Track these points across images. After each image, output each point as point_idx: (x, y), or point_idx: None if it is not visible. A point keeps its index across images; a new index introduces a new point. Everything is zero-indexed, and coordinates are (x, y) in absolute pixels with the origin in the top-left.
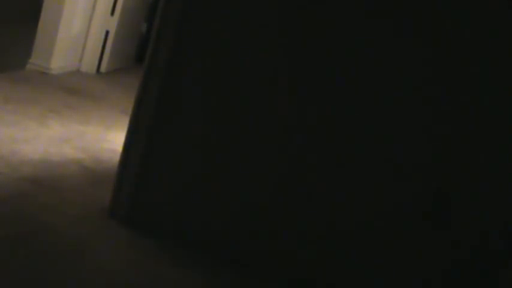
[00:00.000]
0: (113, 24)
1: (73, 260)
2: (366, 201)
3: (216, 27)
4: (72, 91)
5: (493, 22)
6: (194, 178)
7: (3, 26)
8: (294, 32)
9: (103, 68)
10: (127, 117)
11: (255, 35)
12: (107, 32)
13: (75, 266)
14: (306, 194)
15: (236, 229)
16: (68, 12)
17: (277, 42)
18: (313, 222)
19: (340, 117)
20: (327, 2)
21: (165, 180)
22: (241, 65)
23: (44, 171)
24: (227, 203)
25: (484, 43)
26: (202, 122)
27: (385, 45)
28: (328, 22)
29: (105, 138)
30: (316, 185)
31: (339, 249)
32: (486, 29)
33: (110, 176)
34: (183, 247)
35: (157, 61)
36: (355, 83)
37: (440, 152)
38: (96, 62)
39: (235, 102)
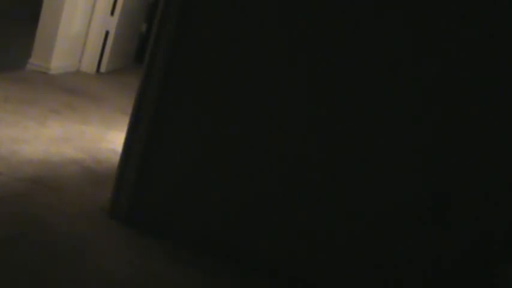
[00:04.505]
0: (112, 24)
1: (73, 260)
2: (366, 201)
3: (216, 27)
4: (72, 91)
5: (491, 23)
6: (194, 178)
7: (3, 26)
8: (294, 31)
9: (103, 68)
10: (127, 117)
11: (255, 34)
12: (107, 32)
13: (75, 266)
14: (305, 193)
15: (236, 229)
16: (68, 12)
17: (277, 41)
18: (313, 221)
19: (340, 116)
20: (328, 5)
21: (165, 180)
22: (241, 64)
23: (44, 171)
24: (227, 203)
25: (486, 43)
26: (202, 122)
27: (386, 45)
28: (329, 22)
29: (105, 138)
30: (317, 184)
31: (339, 249)
32: (486, 30)
33: (110, 176)
34: (183, 247)
35: (157, 61)
36: (355, 83)
37: (441, 151)
38: (96, 62)
39: (235, 102)
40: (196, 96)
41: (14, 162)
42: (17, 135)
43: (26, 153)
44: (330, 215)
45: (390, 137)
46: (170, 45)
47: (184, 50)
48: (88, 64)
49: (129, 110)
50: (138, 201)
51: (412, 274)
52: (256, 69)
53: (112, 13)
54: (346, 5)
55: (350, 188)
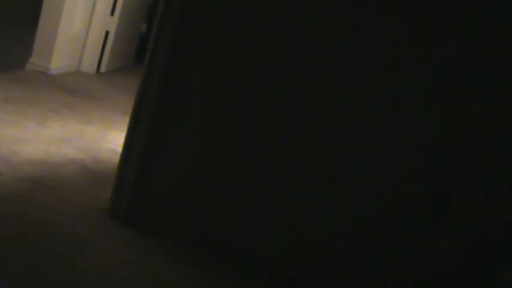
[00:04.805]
0: (112, 24)
1: (73, 260)
2: (366, 201)
3: (216, 27)
4: (72, 91)
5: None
6: (194, 178)
7: (3, 26)
8: (294, 31)
9: (103, 68)
10: (127, 117)
11: (255, 34)
12: (107, 32)
13: (74, 266)
14: (305, 193)
15: (236, 229)
16: (68, 12)
17: (277, 41)
18: (313, 221)
19: (340, 116)
20: (328, 5)
21: (165, 180)
22: (241, 64)
23: (44, 171)
24: (227, 203)
25: (486, 43)
26: (202, 122)
27: (386, 45)
28: (329, 22)
29: (105, 138)
30: (317, 184)
31: (339, 249)
32: (486, 30)
33: (110, 176)
34: (183, 247)
35: (157, 61)
36: (355, 83)
37: (441, 151)
38: (96, 62)
39: (235, 102)
40: (196, 96)
41: (14, 162)
42: (17, 135)
43: (26, 153)
44: (330, 215)
45: (390, 137)
46: (170, 45)
47: (184, 50)
48: (88, 64)
49: (129, 110)
50: (138, 201)
51: (412, 274)
52: (256, 69)
53: (112, 13)
54: (346, 5)
55: (350, 188)
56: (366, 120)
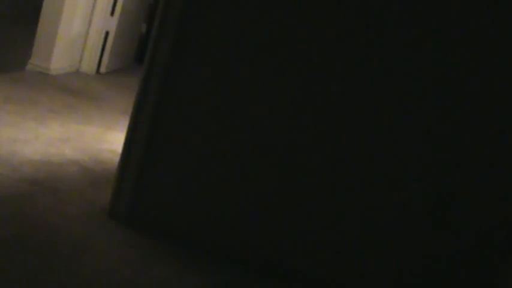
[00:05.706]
0: (112, 24)
1: (73, 260)
2: (367, 201)
3: (215, 27)
4: (71, 91)
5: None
6: (194, 178)
7: (3, 26)
8: (294, 31)
9: (103, 69)
10: (127, 117)
11: (254, 34)
12: (107, 33)
13: (75, 266)
14: (307, 193)
15: (236, 229)
16: (68, 12)
17: (277, 41)
18: (313, 221)
19: (340, 117)
20: (328, 4)
21: (165, 180)
22: (240, 64)
23: (44, 172)
24: (227, 203)
25: (486, 43)
26: (202, 121)
27: (386, 45)
28: (329, 22)
29: (104, 138)
30: (318, 185)
31: (340, 248)
32: (486, 30)
33: (110, 176)
34: (183, 247)
35: (157, 61)
36: (355, 83)
37: (441, 152)
38: (96, 63)
39: (235, 102)
40: (196, 96)
41: (14, 162)
42: (17, 135)
43: (25, 153)
44: (330, 215)
45: (390, 137)
46: (170, 45)
47: (184, 50)
48: (88, 64)
49: (129, 110)
50: (138, 201)
51: (412, 274)
52: (257, 70)
53: (112, 13)
54: (346, 5)
55: (350, 188)
56: (365, 120)
